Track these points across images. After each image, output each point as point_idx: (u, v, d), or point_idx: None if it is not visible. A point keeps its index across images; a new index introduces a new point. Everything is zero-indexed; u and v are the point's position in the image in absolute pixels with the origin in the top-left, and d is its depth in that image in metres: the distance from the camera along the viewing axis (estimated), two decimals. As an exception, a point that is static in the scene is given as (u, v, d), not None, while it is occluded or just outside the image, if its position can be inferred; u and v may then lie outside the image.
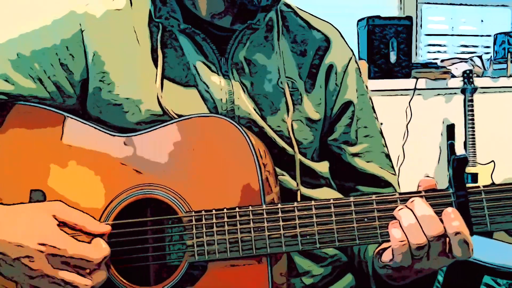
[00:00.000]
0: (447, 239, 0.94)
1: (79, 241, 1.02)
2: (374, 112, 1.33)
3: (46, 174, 1.12)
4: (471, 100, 3.41)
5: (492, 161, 3.45)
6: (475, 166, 3.40)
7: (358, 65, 1.32)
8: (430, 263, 0.96)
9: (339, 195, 1.29)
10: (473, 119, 3.39)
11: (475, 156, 3.39)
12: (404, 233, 0.93)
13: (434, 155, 3.58)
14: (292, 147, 1.20)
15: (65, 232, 1.03)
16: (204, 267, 1.04)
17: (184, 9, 1.21)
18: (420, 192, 0.97)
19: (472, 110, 3.40)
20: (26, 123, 1.16)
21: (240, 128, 1.06)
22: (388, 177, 1.29)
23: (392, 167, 1.33)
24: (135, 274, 1.09)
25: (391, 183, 1.29)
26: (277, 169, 1.19)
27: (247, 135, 1.05)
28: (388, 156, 1.32)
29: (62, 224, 1.04)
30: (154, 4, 1.20)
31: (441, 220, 0.93)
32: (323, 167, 1.27)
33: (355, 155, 1.28)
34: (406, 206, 0.96)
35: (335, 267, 1.27)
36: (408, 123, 3.49)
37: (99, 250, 1.02)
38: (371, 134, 1.30)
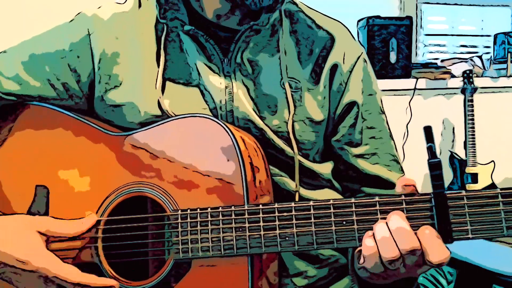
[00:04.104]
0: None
1: (65, 262, 1.06)
2: (383, 113, 1.30)
3: (50, 170, 1.17)
4: (471, 100, 3.40)
5: (492, 161, 3.44)
6: (475, 166, 3.39)
7: (368, 64, 1.29)
8: (408, 271, 0.95)
9: (340, 197, 1.28)
10: (473, 119, 3.38)
11: (475, 156, 3.38)
12: (377, 245, 0.93)
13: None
14: (292, 148, 1.19)
15: (55, 251, 1.07)
16: (189, 265, 1.06)
17: (190, 10, 1.22)
18: (400, 195, 0.95)
19: (472, 110, 3.39)
20: (34, 122, 1.22)
21: (226, 128, 1.06)
22: (395, 179, 1.26)
23: (401, 169, 1.30)
24: (128, 269, 1.11)
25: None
26: (276, 170, 1.19)
27: (233, 135, 1.06)
28: (396, 158, 1.29)
29: (52, 238, 1.09)
30: (159, 4, 1.21)
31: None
32: (324, 169, 1.26)
33: (359, 156, 1.26)
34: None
35: (332, 269, 1.26)
36: (408, 123, 3.48)
37: (77, 273, 1.05)
38: (378, 135, 1.27)
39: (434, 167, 0.92)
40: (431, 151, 0.93)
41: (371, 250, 0.93)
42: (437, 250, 0.90)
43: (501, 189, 0.91)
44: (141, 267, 1.13)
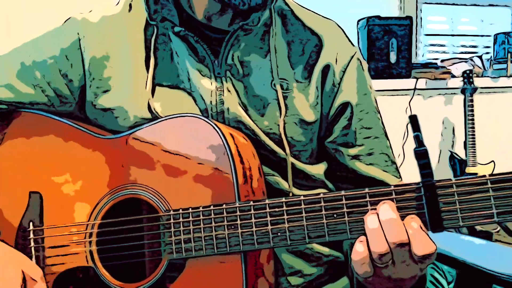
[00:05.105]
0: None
1: None
2: (379, 113, 1.28)
3: (43, 177, 1.17)
4: (471, 100, 3.40)
5: (492, 161, 3.44)
6: (475, 166, 3.38)
7: (362, 63, 1.27)
8: (397, 271, 0.94)
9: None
10: (473, 119, 3.38)
11: (475, 156, 3.38)
12: (367, 242, 0.92)
13: (434, 155, 3.56)
14: (284, 149, 1.19)
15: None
16: (184, 264, 1.05)
17: (181, 11, 1.21)
18: (389, 186, 0.95)
19: (472, 110, 3.39)
20: (26, 129, 1.21)
21: (215, 126, 1.06)
22: (390, 181, 1.24)
23: (397, 170, 1.28)
24: (124, 271, 1.11)
25: None
26: (270, 171, 1.18)
27: (223, 133, 1.05)
28: (392, 159, 1.28)
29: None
30: (148, 6, 1.20)
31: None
32: (317, 170, 1.24)
33: (354, 157, 1.24)
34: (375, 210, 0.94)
35: (330, 268, 1.25)
36: (408, 123, 3.47)
37: None
38: (374, 135, 1.26)
39: (421, 155, 0.92)
40: (418, 140, 0.93)
41: (360, 254, 0.92)
42: (422, 243, 0.89)
43: (490, 175, 0.91)
44: (138, 269, 1.13)
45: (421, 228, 0.90)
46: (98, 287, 1.10)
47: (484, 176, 0.90)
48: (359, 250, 0.92)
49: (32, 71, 1.21)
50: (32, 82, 1.21)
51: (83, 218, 1.13)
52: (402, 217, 0.92)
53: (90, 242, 1.11)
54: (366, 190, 0.95)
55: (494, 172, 3.00)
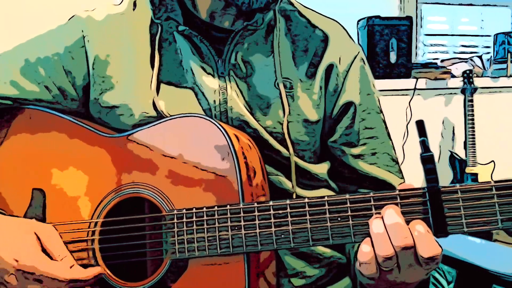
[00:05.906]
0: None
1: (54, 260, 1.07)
2: (381, 113, 1.28)
3: (47, 173, 1.17)
4: (471, 100, 3.40)
5: (492, 161, 3.44)
6: (475, 166, 3.39)
7: (365, 63, 1.27)
8: (402, 275, 0.94)
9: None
10: (473, 119, 3.39)
11: (475, 156, 3.38)
12: (373, 245, 0.92)
13: (434, 155, 3.57)
14: (288, 148, 1.19)
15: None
16: (186, 264, 1.05)
17: (185, 10, 1.22)
18: (394, 190, 0.94)
19: (472, 110, 3.39)
20: (30, 125, 1.21)
21: (220, 127, 1.06)
22: (393, 180, 1.25)
23: (400, 170, 1.28)
24: (126, 270, 1.11)
25: (395, 187, 1.22)
26: (273, 170, 1.19)
27: (227, 134, 1.05)
28: (394, 159, 1.28)
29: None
30: (153, 5, 1.20)
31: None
32: (320, 169, 1.25)
33: (357, 156, 1.24)
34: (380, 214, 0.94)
35: (331, 269, 1.25)
36: (408, 123, 3.48)
37: (66, 270, 1.05)
38: (376, 135, 1.26)
39: (427, 161, 0.92)
40: (423, 145, 0.93)
41: (366, 254, 0.92)
42: (427, 245, 0.89)
43: (495, 181, 0.90)
44: (139, 268, 1.13)
45: (426, 231, 0.90)
46: (100, 286, 1.10)
47: (489, 182, 0.90)
48: (365, 251, 0.92)
49: (36, 68, 1.21)
50: (36, 79, 1.21)
51: (86, 216, 1.13)
52: (407, 222, 0.91)
53: (92, 240, 1.11)
54: (371, 194, 0.95)
55: (495, 172, 3.01)
